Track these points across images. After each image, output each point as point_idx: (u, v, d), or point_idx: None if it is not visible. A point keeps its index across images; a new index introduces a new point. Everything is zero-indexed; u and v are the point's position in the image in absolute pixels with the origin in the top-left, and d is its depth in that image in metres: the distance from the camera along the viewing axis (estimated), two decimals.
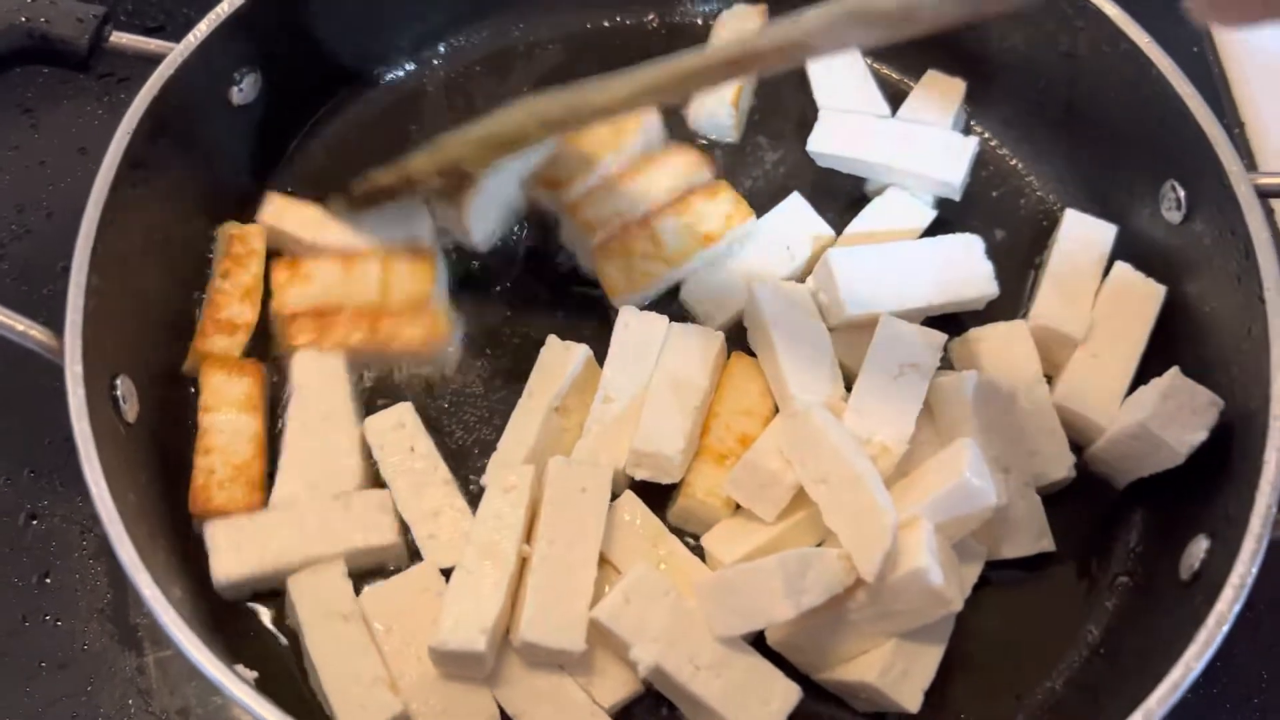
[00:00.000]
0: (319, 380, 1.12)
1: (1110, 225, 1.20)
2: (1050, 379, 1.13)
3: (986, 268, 1.15)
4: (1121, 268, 1.17)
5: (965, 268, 1.15)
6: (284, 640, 1.03)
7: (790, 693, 0.97)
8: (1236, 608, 0.88)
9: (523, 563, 1.01)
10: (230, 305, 1.15)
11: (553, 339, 1.13)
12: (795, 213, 1.23)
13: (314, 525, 1.04)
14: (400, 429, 1.10)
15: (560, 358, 1.11)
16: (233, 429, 1.08)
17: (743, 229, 1.19)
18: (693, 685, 0.96)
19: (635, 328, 1.13)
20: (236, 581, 1.02)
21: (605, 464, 1.06)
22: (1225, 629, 0.87)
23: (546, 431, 1.08)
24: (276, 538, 1.03)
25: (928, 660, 0.98)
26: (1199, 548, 0.98)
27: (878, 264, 1.15)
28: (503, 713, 0.98)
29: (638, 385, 1.10)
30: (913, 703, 0.97)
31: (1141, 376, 1.11)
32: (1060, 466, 1.09)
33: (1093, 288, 1.17)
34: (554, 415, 1.10)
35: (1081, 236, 1.20)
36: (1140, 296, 1.15)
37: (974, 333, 1.15)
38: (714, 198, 1.20)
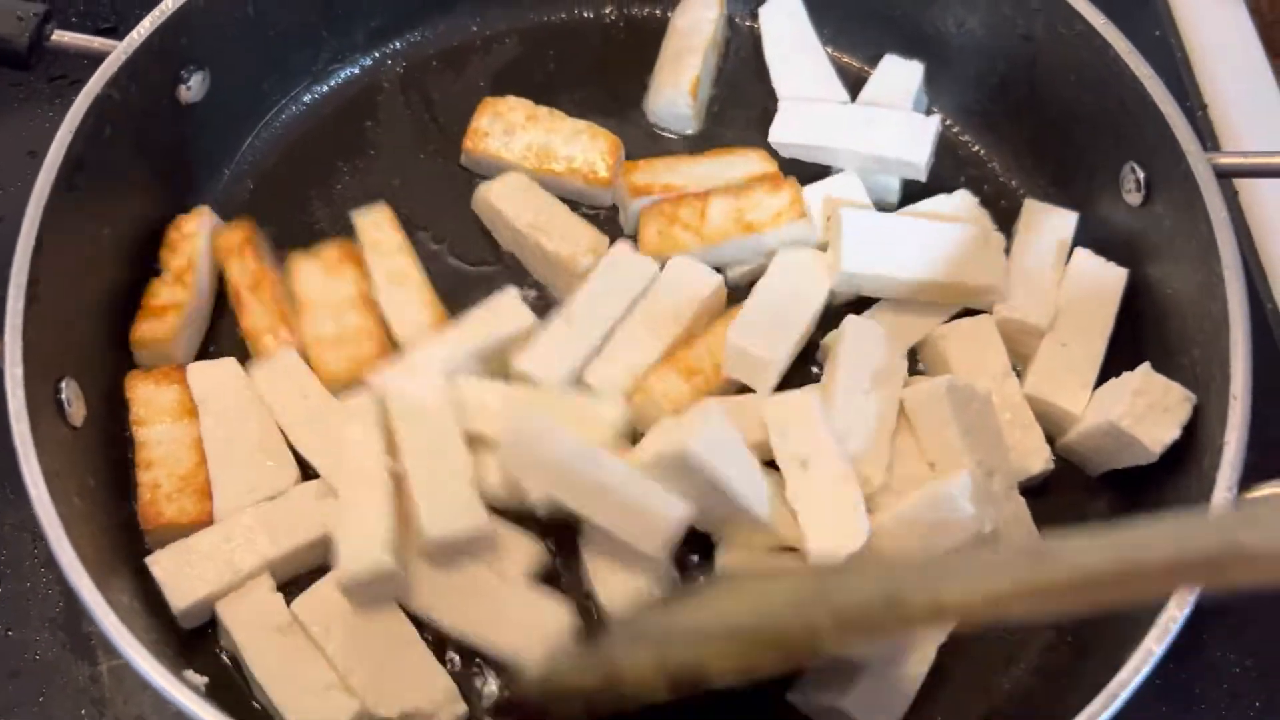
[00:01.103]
0: (219, 388, 1.09)
1: (1071, 213, 1.19)
2: (1019, 371, 1.12)
3: (999, 261, 1.14)
4: (1082, 254, 1.16)
5: (978, 256, 1.14)
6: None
7: (681, 507, 0.95)
8: (1198, 589, 0.87)
9: (396, 480, 1.01)
10: (162, 291, 1.12)
11: (511, 291, 1.14)
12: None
13: (256, 531, 1.02)
14: (288, 375, 1.09)
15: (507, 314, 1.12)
16: (170, 438, 1.06)
17: (791, 229, 1.16)
18: (586, 511, 0.96)
19: (623, 265, 1.13)
20: (195, 606, 1.00)
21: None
22: (1186, 611, 0.86)
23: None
24: (222, 553, 1.01)
25: (905, 685, 0.96)
26: None
27: (890, 231, 1.14)
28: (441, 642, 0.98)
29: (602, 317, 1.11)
30: None
31: (1109, 361, 1.10)
32: (1038, 460, 1.08)
33: (1056, 277, 1.16)
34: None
35: (1042, 225, 1.19)
36: (1103, 281, 1.14)
37: (940, 330, 1.14)
38: (775, 192, 1.18)
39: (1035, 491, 1.08)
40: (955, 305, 1.15)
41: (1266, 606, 1.12)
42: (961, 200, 1.20)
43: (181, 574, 1.00)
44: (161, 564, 1.00)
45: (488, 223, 1.23)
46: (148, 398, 1.08)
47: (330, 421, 1.06)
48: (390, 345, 1.12)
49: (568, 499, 0.96)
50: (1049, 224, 1.19)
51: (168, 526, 1.02)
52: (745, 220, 1.17)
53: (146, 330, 1.11)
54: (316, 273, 1.15)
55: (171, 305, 1.11)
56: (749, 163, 1.23)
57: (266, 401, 1.08)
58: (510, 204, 1.19)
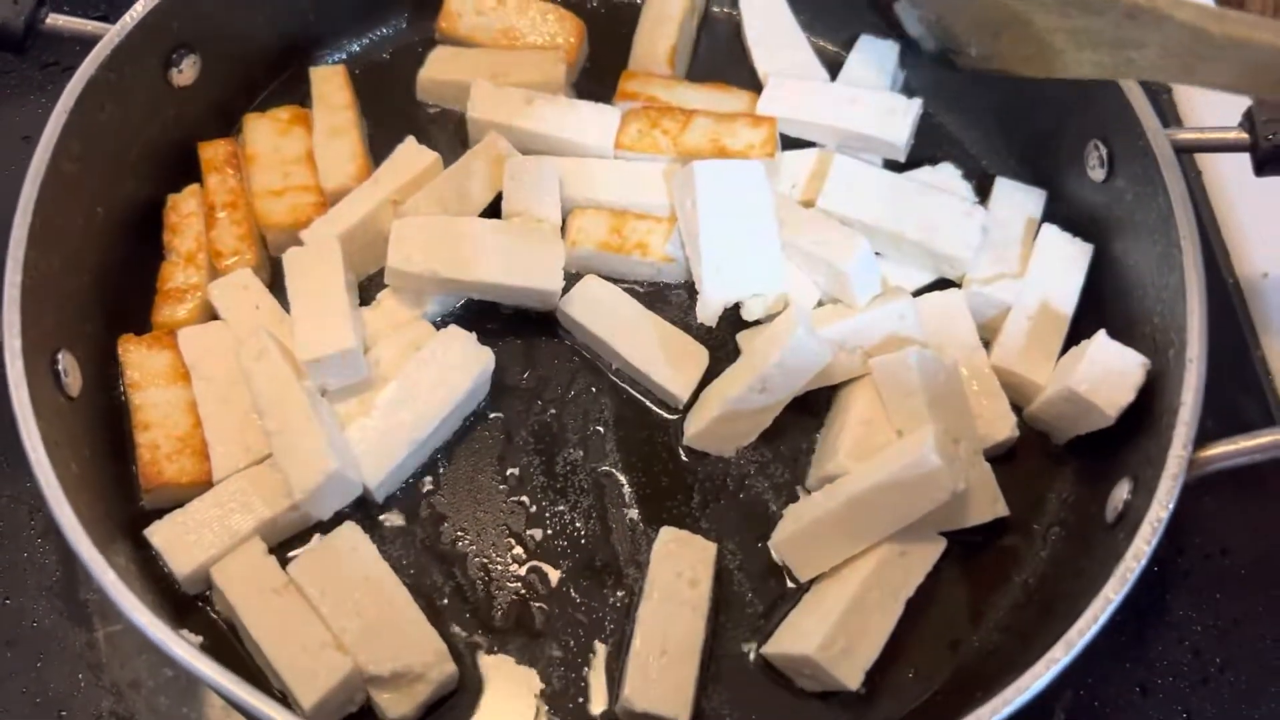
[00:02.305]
0: (210, 352, 1.11)
1: (1040, 191, 1.23)
2: (988, 344, 1.16)
3: (975, 235, 1.17)
4: (1050, 230, 1.19)
5: (954, 225, 1.17)
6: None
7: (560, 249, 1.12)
8: (1153, 543, 0.91)
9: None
10: (175, 275, 1.16)
11: (411, 140, 1.23)
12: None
13: (251, 493, 1.04)
14: (244, 290, 1.14)
15: (413, 158, 1.21)
16: (166, 401, 1.09)
17: (757, 163, 1.21)
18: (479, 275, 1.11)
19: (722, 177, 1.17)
20: (198, 571, 1.02)
21: None
22: (1142, 564, 0.90)
23: (373, 216, 1.18)
24: (218, 517, 1.04)
25: (872, 638, 1.00)
26: (1122, 490, 1.01)
27: (875, 183, 1.20)
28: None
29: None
30: (853, 680, 0.98)
31: (1074, 333, 1.14)
32: (1004, 427, 1.11)
33: (1024, 253, 1.19)
34: (388, 205, 1.18)
35: (1011, 202, 1.23)
36: (1069, 256, 1.18)
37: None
38: (755, 127, 1.24)
39: (1003, 459, 1.12)
40: (927, 273, 1.19)
41: (1227, 569, 1.15)
42: (945, 173, 1.26)
43: (180, 541, 1.02)
44: (160, 533, 1.03)
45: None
46: (141, 362, 1.11)
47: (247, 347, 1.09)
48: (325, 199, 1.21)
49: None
50: (1018, 201, 1.23)
51: (168, 485, 1.05)
52: (720, 144, 1.22)
53: (168, 314, 1.15)
54: (268, 131, 1.24)
55: (188, 288, 1.15)
56: (739, 102, 1.29)
57: (222, 314, 1.13)
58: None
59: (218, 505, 1.04)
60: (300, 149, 1.23)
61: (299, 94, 1.31)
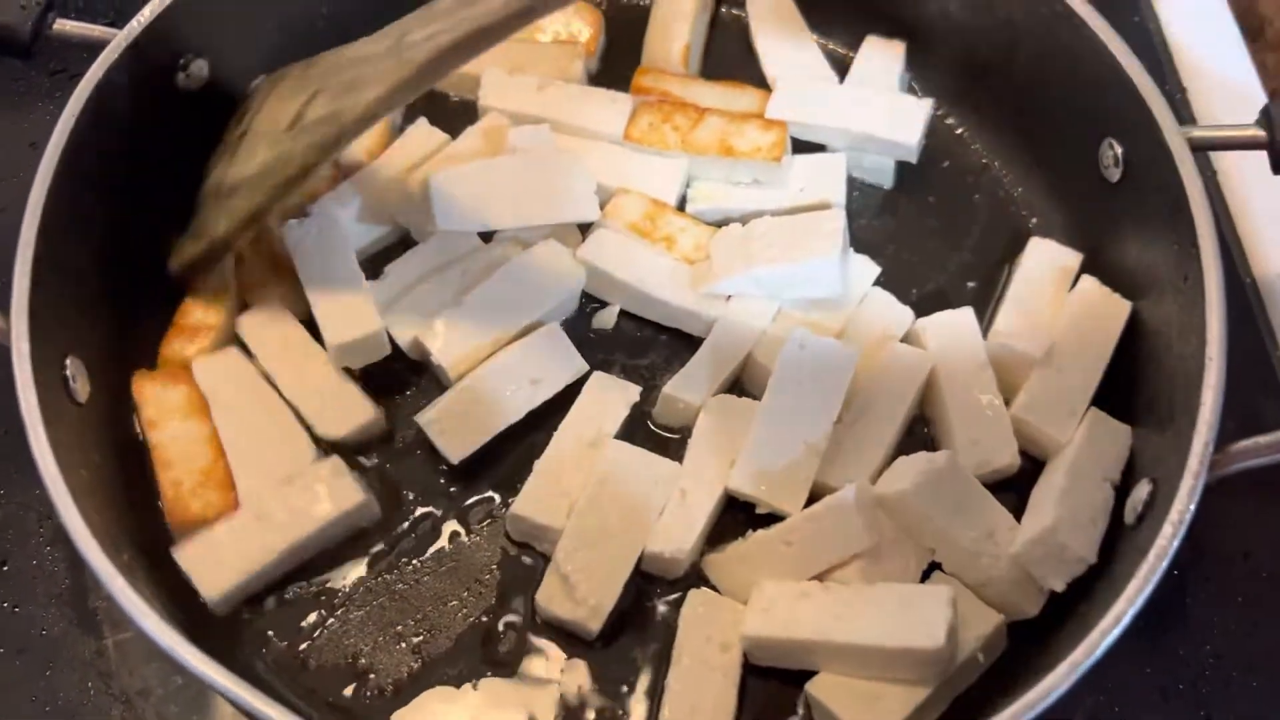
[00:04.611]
0: (225, 379, 1.11)
1: (1076, 253, 1.19)
2: (1007, 402, 1.11)
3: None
4: (1088, 282, 1.16)
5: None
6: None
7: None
8: (1175, 543, 0.89)
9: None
10: (195, 311, 1.15)
11: (423, 120, 1.27)
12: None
13: (280, 514, 1.03)
14: (273, 322, 1.14)
15: (424, 138, 1.25)
16: (185, 437, 1.07)
17: (764, 166, 1.22)
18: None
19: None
20: (227, 594, 1.02)
21: None
22: (1164, 564, 0.89)
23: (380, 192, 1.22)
24: (247, 539, 1.03)
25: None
26: (1142, 492, 1.00)
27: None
28: None
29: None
30: None
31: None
32: (1005, 454, 1.08)
33: (1054, 309, 1.15)
34: (394, 183, 1.22)
35: (1044, 258, 1.19)
36: (1105, 311, 1.13)
37: (920, 323, 1.16)
38: (766, 130, 1.24)
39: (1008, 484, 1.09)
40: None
41: (1249, 572, 1.14)
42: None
43: (209, 564, 1.01)
44: (188, 555, 1.02)
45: None
46: (157, 398, 1.09)
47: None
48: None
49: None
50: (1051, 258, 1.19)
51: (196, 520, 1.04)
52: (728, 143, 1.23)
53: (178, 350, 1.13)
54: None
55: (204, 327, 1.14)
56: (752, 100, 1.29)
57: (252, 348, 1.12)
58: None
59: (246, 526, 1.03)
60: None
61: None
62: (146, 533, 1.04)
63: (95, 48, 1.12)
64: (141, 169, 1.17)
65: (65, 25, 1.14)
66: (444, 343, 1.11)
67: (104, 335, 1.11)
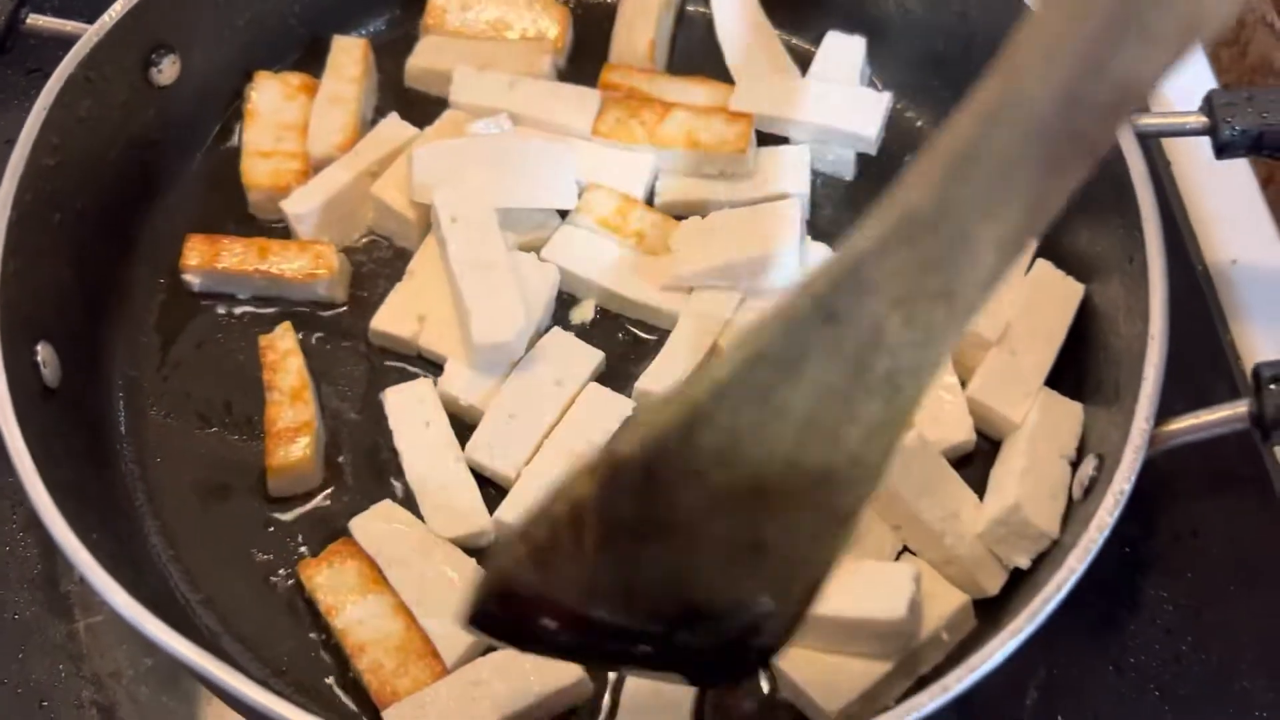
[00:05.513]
0: (387, 534, 1.05)
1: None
2: (964, 382, 1.13)
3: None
4: (1043, 265, 1.17)
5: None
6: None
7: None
8: (1115, 514, 0.92)
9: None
10: (283, 414, 1.10)
11: (394, 115, 1.27)
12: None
13: (495, 682, 0.96)
14: (419, 404, 1.12)
15: (394, 132, 1.25)
16: (369, 614, 1.00)
17: (728, 159, 1.24)
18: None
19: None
20: None
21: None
22: (1104, 534, 0.91)
23: (350, 188, 1.23)
24: (460, 707, 0.95)
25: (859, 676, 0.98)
26: (1089, 467, 1.02)
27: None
28: None
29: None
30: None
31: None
32: (960, 430, 1.10)
33: (1009, 293, 1.15)
34: (365, 178, 1.23)
35: None
36: (1059, 294, 1.15)
37: None
38: (732, 123, 1.25)
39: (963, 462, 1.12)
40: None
41: (1198, 550, 1.17)
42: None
43: None
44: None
45: None
46: (330, 584, 1.02)
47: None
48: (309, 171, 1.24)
49: None
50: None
51: (404, 695, 0.97)
52: (694, 137, 1.25)
53: (283, 458, 1.07)
54: (276, 92, 1.28)
55: (297, 426, 1.09)
56: (719, 95, 1.31)
57: (393, 426, 1.11)
58: None
59: (458, 695, 0.96)
60: (299, 117, 1.26)
61: None
62: (124, 517, 1.06)
63: (70, 43, 1.14)
64: (115, 162, 1.20)
65: (38, 21, 1.15)
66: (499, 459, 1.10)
67: (76, 321, 1.13)
